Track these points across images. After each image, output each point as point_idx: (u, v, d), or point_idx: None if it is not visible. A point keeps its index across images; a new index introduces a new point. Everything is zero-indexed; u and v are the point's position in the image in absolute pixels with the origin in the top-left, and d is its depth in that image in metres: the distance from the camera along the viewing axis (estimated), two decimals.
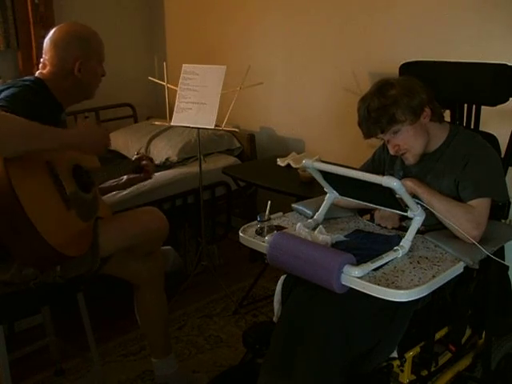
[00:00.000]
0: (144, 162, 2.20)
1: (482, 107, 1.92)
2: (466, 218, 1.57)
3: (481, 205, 1.61)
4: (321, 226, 1.66)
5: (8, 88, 1.75)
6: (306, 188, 2.46)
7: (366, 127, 1.70)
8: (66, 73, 1.86)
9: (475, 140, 1.73)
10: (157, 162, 3.09)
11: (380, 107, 1.64)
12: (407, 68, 1.98)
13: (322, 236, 1.58)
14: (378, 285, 1.36)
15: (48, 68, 1.87)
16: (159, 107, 3.67)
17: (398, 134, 1.67)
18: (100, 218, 1.90)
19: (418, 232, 1.56)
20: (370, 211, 1.88)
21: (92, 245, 1.81)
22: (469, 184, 1.64)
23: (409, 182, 1.62)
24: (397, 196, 1.48)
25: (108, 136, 1.87)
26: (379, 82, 1.71)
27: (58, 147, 1.67)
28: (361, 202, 1.68)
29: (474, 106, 1.93)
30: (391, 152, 1.73)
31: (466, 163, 1.67)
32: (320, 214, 1.74)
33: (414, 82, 1.69)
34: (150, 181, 2.80)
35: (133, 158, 2.24)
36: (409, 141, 1.69)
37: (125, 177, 2.20)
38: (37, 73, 1.89)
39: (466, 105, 1.95)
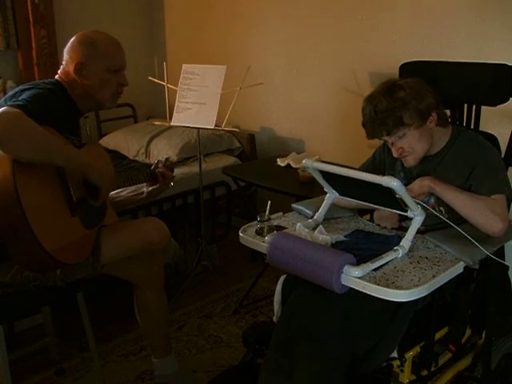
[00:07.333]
0: (159, 170, 2.11)
1: (482, 107, 1.91)
2: (491, 210, 1.55)
3: (501, 199, 1.60)
4: (321, 226, 1.65)
5: (30, 89, 1.73)
6: (306, 188, 2.46)
7: (371, 128, 1.68)
8: (72, 76, 1.84)
9: (479, 141, 1.72)
10: None
11: (388, 109, 1.62)
12: (407, 68, 1.98)
13: (322, 236, 1.57)
14: (378, 285, 1.35)
15: (61, 70, 1.87)
16: (159, 107, 3.66)
17: (403, 138, 1.66)
18: (104, 226, 1.90)
19: (418, 232, 1.55)
20: (370, 211, 1.88)
21: (93, 252, 1.81)
22: (484, 184, 1.63)
23: (427, 181, 1.61)
24: (397, 196, 1.48)
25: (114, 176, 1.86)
26: (388, 82, 1.69)
27: (64, 165, 1.65)
28: (361, 202, 1.67)
29: (474, 106, 1.93)
30: (394, 155, 1.72)
31: (473, 165, 1.66)
32: (320, 214, 1.74)
33: (423, 86, 1.67)
34: None
35: (152, 167, 2.13)
36: (413, 144, 1.67)
37: (144, 189, 2.12)
38: (56, 75, 1.88)
39: (466, 105, 1.94)
